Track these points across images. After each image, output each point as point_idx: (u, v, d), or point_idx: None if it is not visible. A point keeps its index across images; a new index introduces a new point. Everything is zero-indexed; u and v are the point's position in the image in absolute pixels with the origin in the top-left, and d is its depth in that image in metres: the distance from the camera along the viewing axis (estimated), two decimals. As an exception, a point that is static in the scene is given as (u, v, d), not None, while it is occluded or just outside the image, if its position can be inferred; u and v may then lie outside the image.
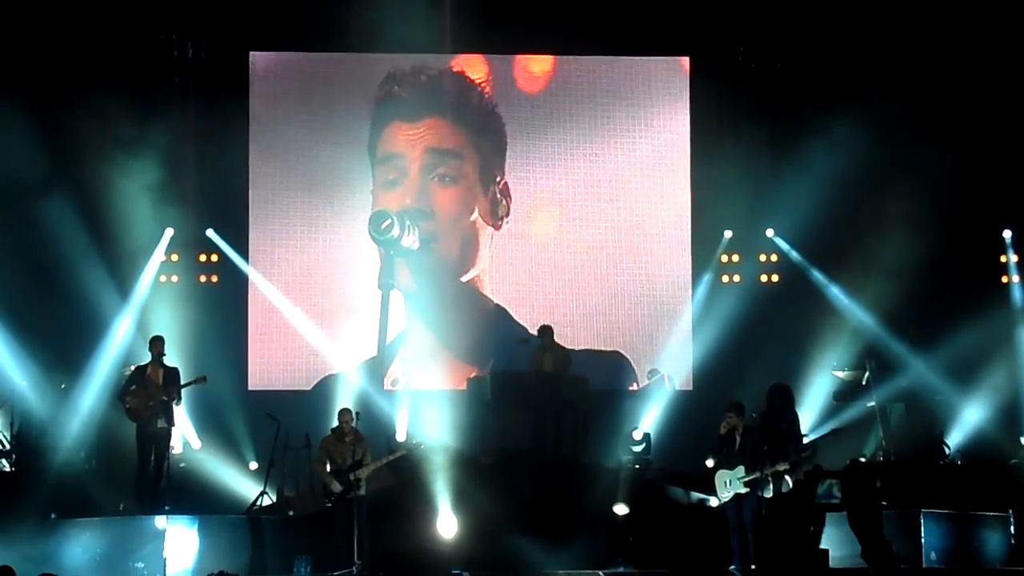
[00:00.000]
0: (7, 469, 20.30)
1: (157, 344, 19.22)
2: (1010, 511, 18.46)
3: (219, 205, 23.85)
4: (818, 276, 23.97)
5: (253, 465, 22.15)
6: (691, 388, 23.94)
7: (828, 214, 23.05)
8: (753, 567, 17.44)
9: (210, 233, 23.82)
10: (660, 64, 24.58)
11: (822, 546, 17.94)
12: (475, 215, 23.78)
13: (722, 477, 17.72)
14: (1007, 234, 24.18)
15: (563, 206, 24.24)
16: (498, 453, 20.28)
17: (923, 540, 17.96)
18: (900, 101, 22.45)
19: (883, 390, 21.61)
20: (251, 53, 24.00)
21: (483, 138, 23.97)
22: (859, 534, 17.36)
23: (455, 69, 24.03)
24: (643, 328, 24.12)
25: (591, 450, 21.23)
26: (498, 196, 23.97)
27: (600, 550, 18.51)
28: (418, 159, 23.73)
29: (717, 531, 18.10)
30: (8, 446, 20.51)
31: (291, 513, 19.67)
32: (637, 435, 22.16)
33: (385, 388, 23.33)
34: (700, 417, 22.23)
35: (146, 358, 19.30)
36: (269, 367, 23.69)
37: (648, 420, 22.92)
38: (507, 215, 24.00)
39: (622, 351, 24.01)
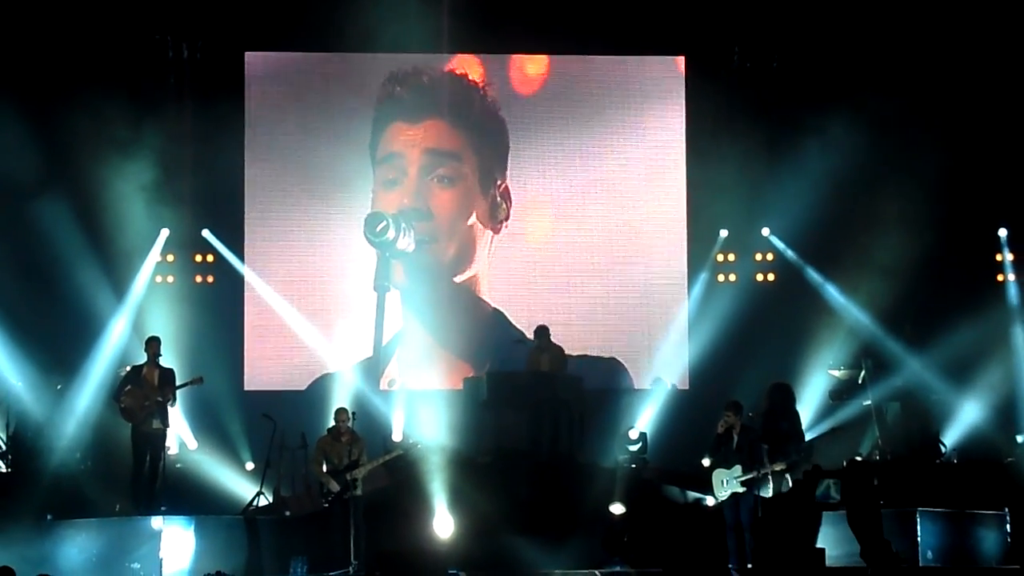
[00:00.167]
0: (3, 470, 20.31)
1: (153, 344, 19.19)
2: (1006, 509, 18.48)
3: (215, 205, 23.84)
4: (814, 275, 23.97)
5: (249, 465, 22.15)
6: (687, 387, 23.95)
7: (824, 213, 23.06)
8: (750, 566, 17.43)
9: (206, 233, 23.81)
10: (655, 64, 24.58)
11: (819, 545, 17.97)
12: (473, 218, 23.76)
13: (719, 476, 17.72)
14: (1002, 232, 24.18)
15: (559, 206, 24.23)
16: (494, 453, 20.28)
17: (919, 539, 17.95)
18: (896, 100, 22.47)
19: (879, 389, 21.62)
20: (246, 53, 24.00)
21: (484, 141, 23.96)
22: (858, 534, 17.37)
23: (457, 71, 24.02)
24: (639, 327, 24.12)
25: (587, 449, 21.25)
26: (498, 199, 23.96)
27: (596, 549, 18.49)
28: (417, 160, 23.72)
29: (713, 530, 18.09)
30: (4, 447, 20.51)
31: (287, 513, 19.66)
32: (633, 434, 22.19)
33: (381, 388, 23.33)
34: (696, 416, 22.27)
35: (142, 359, 19.26)
36: (265, 367, 23.69)
37: (644, 419, 22.96)
38: (507, 218, 23.98)
39: (618, 356, 23.98)
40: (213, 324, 23.22)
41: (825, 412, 22.07)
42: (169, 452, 19.78)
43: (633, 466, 21.49)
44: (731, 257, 24.56)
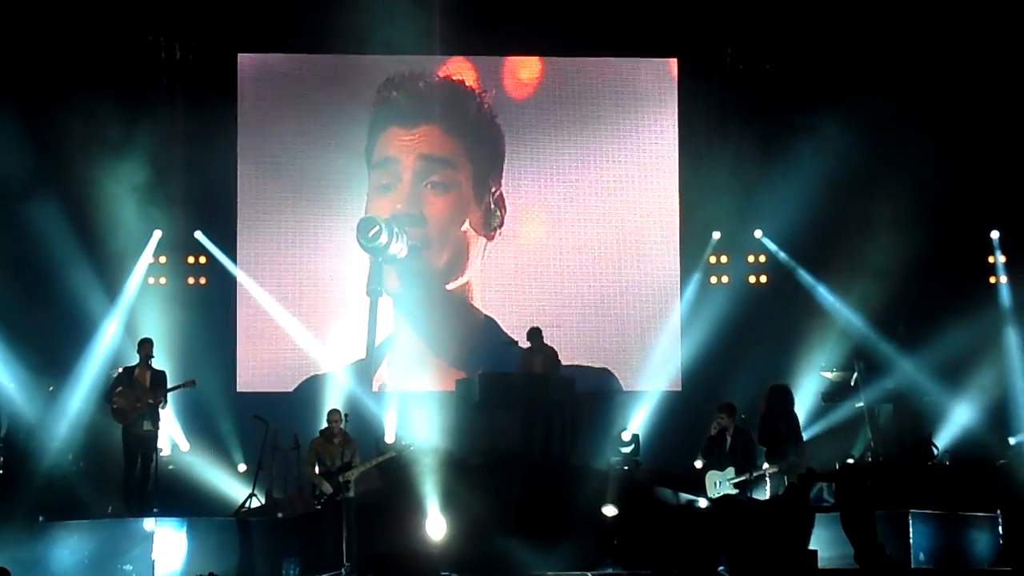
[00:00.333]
0: (-6, 472, 20.30)
1: (145, 346, 19.19)
2: (998, 511, 18.48)
3: (207, 207, 23.82)
4: (806, 277, 23.98)
5: (242, 467, 22.15)
6: (680, 389, 23.95)
7: (816, 215, 23.08)
8: (742, 568, 17.42)
9: (198, 235, 23.80)
10: (648, 66, 24.58)
11: (811, 547, 17.98)
12: (466, 225, 23.75)
13: (712, 478, 17.74)
14: (995, 235, 24.21)
15: (551, 209, 24.23)
16: (487, 454, 20.26)
17: (912, 541, 17.95)
18: (888, 102, 22.47)
19: (871, 391, 21.62)
20: (239, 55, 23.98)
21: (479, 148, 23.94)
22: (852, 537, 17.39)
23: (455, 77, 24.00)
24: (632, 329, 24.11)
25: (580, 451, 21.25)
26: (492, 207, 23.94)
27: (588, 551, 18.49)
28: (411, 165, 23.71)
29: (706, 532, 18.09)
30: (-4, 449, 20.50)
31: (280, 515, 19.63)
32: (626, 436, 22.19)
33: (372, 391, 23.31)
34: (689, 418, 22.34)
35: (134, 360, 19.27)
36: (258, 369, 23.67)
37: (637, 421, 22.97)
38: (501, 225, 23.97)
39: (610, 358, 23.98)
40: (205, 326, 23.21)
41: (817, 414, 22.07)
42: (161, 454, 19.77)
43: (625, 468, 21.50)
44: (724, 259, 24.58)
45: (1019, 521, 18.25)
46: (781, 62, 24.35)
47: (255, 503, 20.01)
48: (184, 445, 22.31)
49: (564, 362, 21.45)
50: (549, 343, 21.33)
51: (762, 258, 24.48)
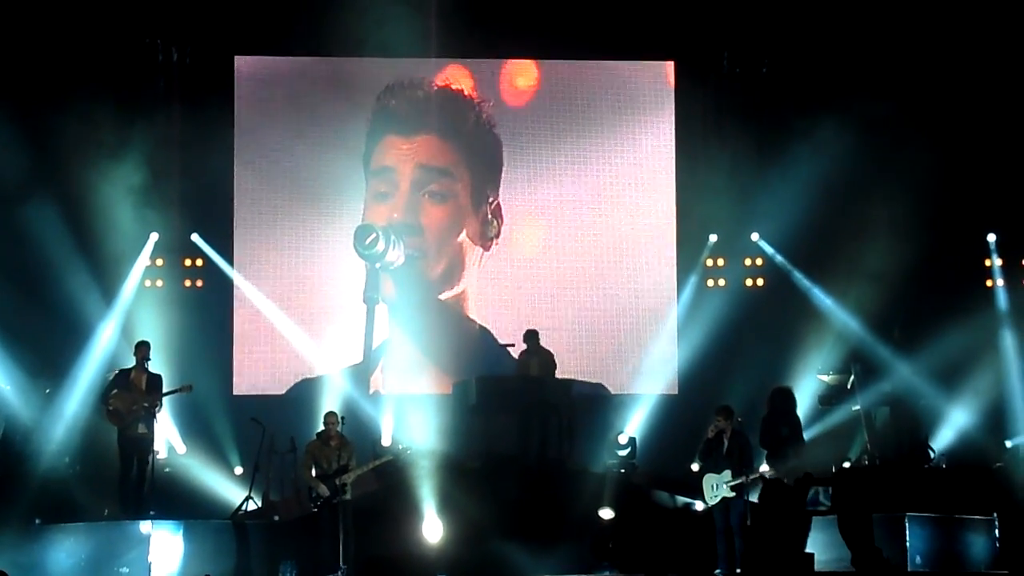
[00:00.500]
0: (-9, 475, 20.28)
1: (142, 349, 19.17)
2: (995, 515, 18.48)
3: (204, 210, 23.81)
4: (803, 280, 23.98)
5: (238, 470, 22.13)
6: (676, 392, 23.95)
7: (813, 218, 23.08)
8: (739, 571, 17.43)
9: (195, 238, 23.79)
10: (645, 69, 24.59)
11: (808, 550, 17.99)
12: (463, 235, 23.72)
13: (709, 480, 17.72)
14: (991, 238, 24.22)
15: (547, 213, 24.22)
16: (483, 457, 20.25)
17: (908, 544, 17.95)
18: (885, 105, 22.46)
19: (868, 394, 21.60)
20: (236, 57, 23.97)
21: (477, 158, 23.93)
22: (849, 541, 17.38)
23: (453, 86, 23.97)
24: (628, 332, 24.11)
25: (577, 454, 21.23)
26: (489, 217, 23.92)
27: (585, 554, 18.49)
28: (409, 174, 23.69)
29: (703, 535, 18.10)
30: (-8, 451, 20.50)
31: (276, 518, 19.63)
32: (623, 439, 22.19)
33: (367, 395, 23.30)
34: (685, 421, 22.34)
35: (131, 363, 19.25)
36: (254, 372, 23.66)
37: (633, 424, 22.96)
38: (497, 236, 23.94)
39: (607, 361, 24.00)
40: (202, 328, 23.20)
41: (814, 417, 22.06)
42: (158, 456, 19.75)
43: (622, 471, 21.50)
44: (720, 262, 24.57)
45: (1016, 524, 18.26)
46: (777, 65, 24.36)
47: (252, 506, 20.01)
48: (181, 448, 22.29)
49: (557, 375, 21.36)
50: (546, 347, 21.31)
51: (759, 261, 24.48)
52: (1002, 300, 24.04)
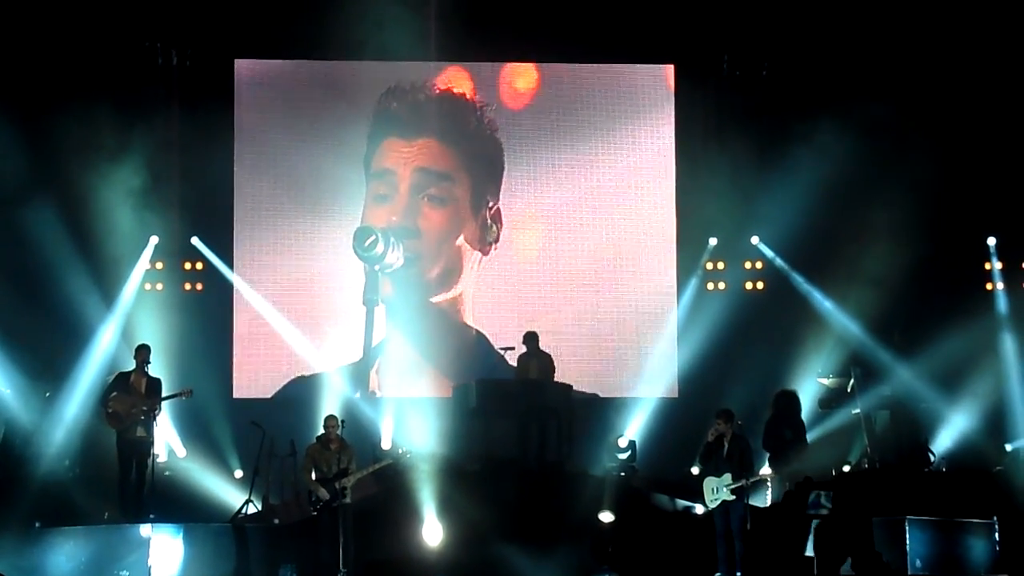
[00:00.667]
0: (-9, 478, 20.28)
1: (142, 352, 19.16)
2: (995, 518, 18.46)
3: (204, 213, 23.81)
4: (803, 283, 23.97)
5: (238, 473, 22.11)
6: (676, 395, 23.94)
7: (813, 221, 23.07)
8: (739, 574, 17.43)
9: (195, 241, 23.78)
10: (645, 72, 24.58)
11: (808, 554, 17.99)
12: (461, 239, 23.71)
13: (709, 484, 17.72)
14: (991, 241, 24.21)
15: (547, 216, 24.21)
16: (483, 461, 20.25)
17: (908, 547, 17.92)
18: (885, 108, 22.48)
19: (868, 397, 21.61)
20: (236, 60, 23.97)
21: (477, 163, 23.91)
22: (849, 546, 17.38)
23: (456, 90, 23.95)
24: (628, 335, 24.10)
25: (576, 457, 21.24)
26: (488, 222, 23.90)
27: (585, 558, 18.48)
28: (408, 177, 23.67)
29: (703, 538, 18.09)
30: (-8, 454, 20.49)
31: (276, 521, 19.62)
32: (622, 442, 22.15)
33: (358, 396, 23.26)
34: (685, 424, 22.34)
35: (131, 366, 19.24)
36: (254, 375, 23.65)
37: (633, 427, 22.95)
38: (496, 241, 23.91)
39: (607, 364, 23.96)
40: (202, 332, 23.21)
41: (814, 420, 22.05)
42: (158, 460, 19.74)
43: (622, 474, 21.48)
44: (720, 265, 24.56)
45: (1016, 528, 18.26)
46: (778, 68, 24.34)
47: (252, 509, 19.99)
48: (181, 451, 22.29)
49: (556, 378, 21.34)
50: (546, 350, 21.31)
51: (759, 264, 24.46)
52: (1002, 304, 24.04)
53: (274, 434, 20.78)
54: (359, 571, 17.61)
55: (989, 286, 24.23)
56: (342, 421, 18.48)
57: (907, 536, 17.95)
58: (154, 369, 19.29)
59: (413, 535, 18.35)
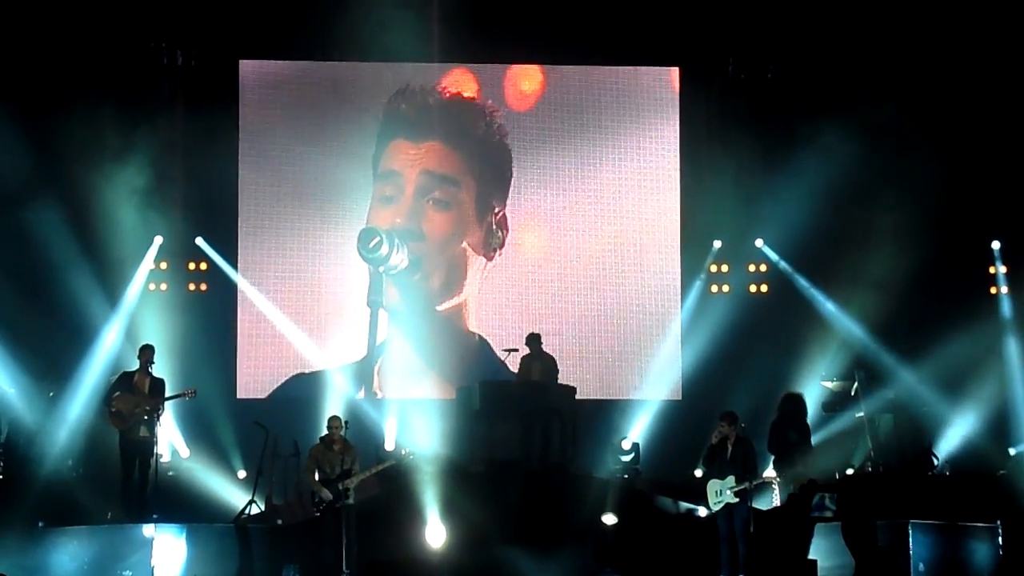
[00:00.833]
0: (-6, 477, 20.29)
1: (146, 352, 19.16)
2: (998, 522, 18.44)
3: (208, 213, 23.82)
4: (807, 286, 23.97)
5: (241, 473, 22.13)
6: (680, 398, 23.94)
7: (817, 224, 23.09)
8: (742, 577, 17.47)
9: (199, 241, 23.79)
10: (650, 74, 24.59)
11: (810, 557, 17.98)
12: (465, 243, 23.70)
13: (713, 487, 17.71)
14: (995, 245, 24.21)
15: (551, 218, 24.22)
16: (486, 462, 20.25)
17: (911, 551, 17.90)
18: (890, 111, 22.50)
19: (872, 401, 21.60)
20: (241, 61, 23.98)
21: (485, 168, 23.91)
22: (852, 547, 17.37)
23: (465, 94, 23.94)
24: (632, 338, 24.11)
25: (580, 459, 21.23)
26: (493, 227, 23.89)
27: (588, 560, 18.48)
28: (414, 180, 23.67)
29: (706, 541, 18.09)
30: (-4, 454, 20.49)
31: (279, 522, 19.62)
32: (626, 445, 22.15)
33: (358, 397, 23.25)
34: (689, 427, 22.32)
35: (135, 366, 19.23)
36: (258, 376, 23.65)
37: (637, 430, 22.95)
38: (502, 246, 23.91)
39: (609, 366, 23.96)
40: (206, 332, 23.21)
41: (818, 424, 22.04)
42: (161, 460, 19.75)
43: (625, 476, 21.48)
44: (724, 268, 24.57)
45: (1019, 532, 18.22)
46: (783, 71, 24.36)
47: (255, 509, 19.99)
48: (184, 451, 22.30)
49: (559, 380, 21.35)
50: (549, 353, 21.31)
51: (763, 267, 24.47)
52: (1006, 307, 24.04)
53: (276, 433, 20.78)
54: (362, 572, 17.62)
55: (993, 290, 24.23)
56: (345, 422, 18.47)
57: (910, 540, 17.93)
58: (158, 369, 19.30)
59: (416, 536, 18.35)
